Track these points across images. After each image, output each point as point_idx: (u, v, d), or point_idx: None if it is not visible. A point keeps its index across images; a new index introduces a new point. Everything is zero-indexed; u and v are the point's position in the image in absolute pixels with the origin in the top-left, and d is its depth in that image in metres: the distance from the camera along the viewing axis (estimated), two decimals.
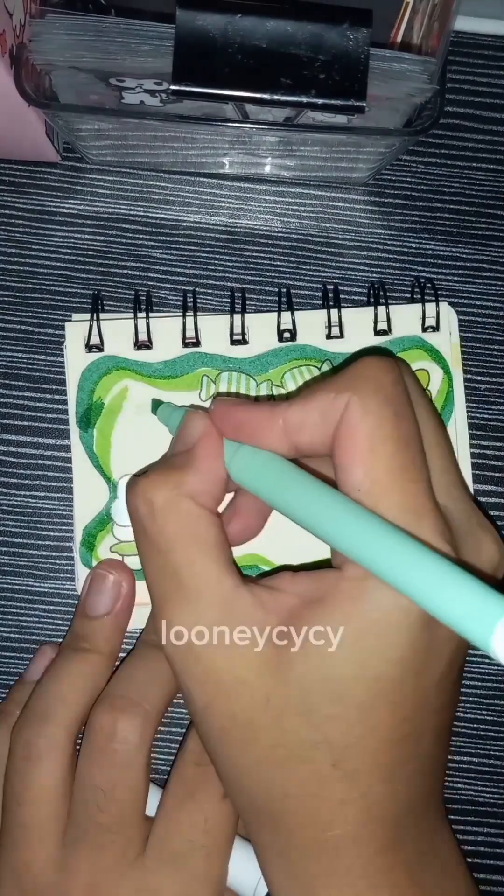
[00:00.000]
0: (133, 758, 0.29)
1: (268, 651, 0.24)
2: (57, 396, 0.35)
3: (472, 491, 0.34)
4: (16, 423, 0.35)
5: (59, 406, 0.35)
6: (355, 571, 0.23)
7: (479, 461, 0.35)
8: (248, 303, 0.35)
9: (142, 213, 0.35)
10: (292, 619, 0.24)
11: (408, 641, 0.23)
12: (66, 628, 0.34)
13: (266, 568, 0.34)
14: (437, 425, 0.27)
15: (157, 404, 0.33)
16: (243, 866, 0.30)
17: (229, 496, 0.30)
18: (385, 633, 0.23)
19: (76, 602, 0.33)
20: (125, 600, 0.33)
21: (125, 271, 0.35)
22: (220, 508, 0.27)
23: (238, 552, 0.34)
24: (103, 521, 0.34)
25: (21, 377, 0.35)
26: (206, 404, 0.34)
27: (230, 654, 0.25)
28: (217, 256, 0.35)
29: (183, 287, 0.35)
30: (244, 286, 0.35)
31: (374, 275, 0.36)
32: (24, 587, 0.34)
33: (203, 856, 0.29)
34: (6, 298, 0.35)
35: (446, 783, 0.34)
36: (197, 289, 0.35)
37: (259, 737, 0.25)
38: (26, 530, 0.34)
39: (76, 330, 0.34)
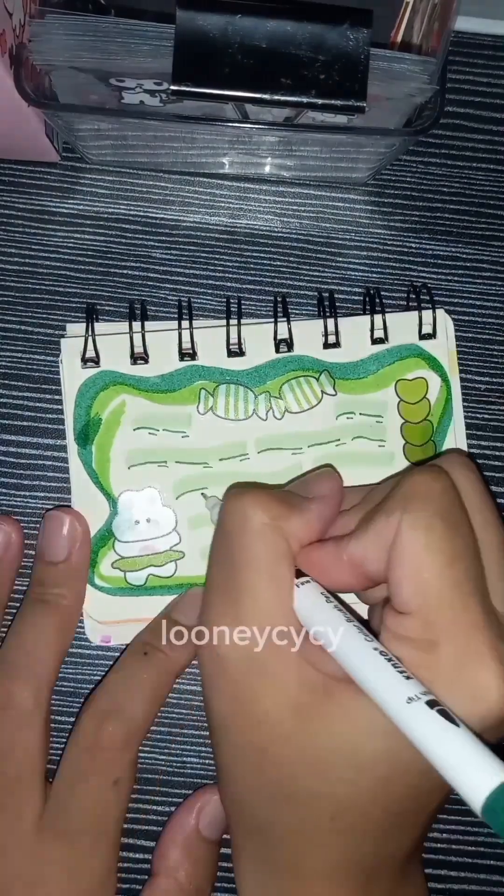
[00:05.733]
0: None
1: (303, 697, 0.25)
2: (56, 397, 0.35)
3: None
4: (15, 423, 0.35)
5: (59, 406, 0.35)
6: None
7: (479, 461, 0.35)
8: (247, 304, 0.35)
9: (141, 214, 0.35)
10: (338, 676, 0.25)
11: None
12: None
13: None
14: (500, 529, 0.27)
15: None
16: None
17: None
18: None
19: None
20: (83, 544, 0.33)
21: (125, 272, 0.35)
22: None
23: None
24: (104, 536, 0.33)
25: (20, 377, 0.35)
26: (204, 417, 0.34)
27: (263, 681, 0.25)
28: (217, 256, 0.35)
29: (182, 287, 0.35)
30: (243, 286, 0.35)
31: (374, 275, 0.36)
32: (23, 588, 0.34)
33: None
34: (6, 298, 0.35)
35: None
36: (196, 289, 0.35)
37: (268, 768, 0.25)
38: (26, 530, 0.34)
39: (72, 346, 0.33)
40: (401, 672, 0.23)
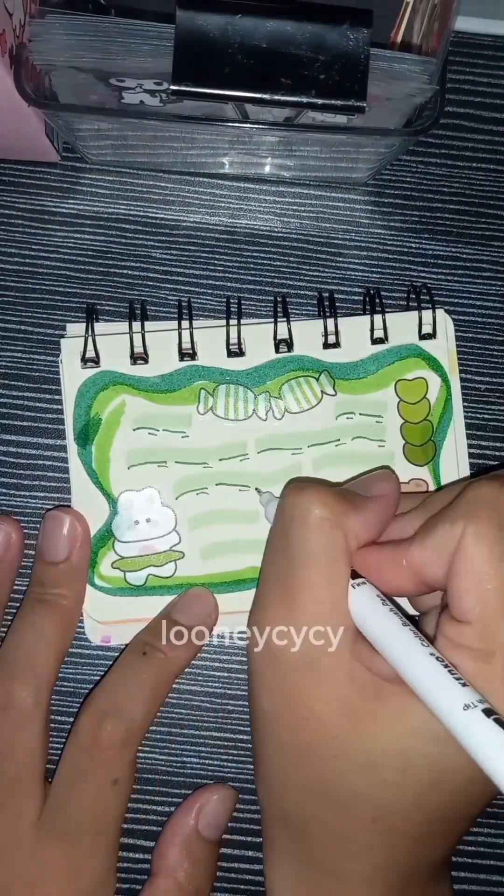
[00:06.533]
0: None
1: (353, 696, 0.25)
2: (56, 397, 0.35)
3: None
4: (15, 423, 0.35)
5: (59, 406, 0.35)
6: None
7: (479, 461, 0.35)
8: (247, 304, 0.35)
9: (141, 213, 0.35)
10: (391, 679, 0.25)
11: None
12: None
13: None
14: None
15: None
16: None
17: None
18: None
19: None
20: (83, 544, 0.33)
21: (125, 272, 0.35)
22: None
23: (242, 565, 0.34)
24: (104, 537, 0.33)
25: (20, 377, 0.35)
26: (204, 418, 0.34)
27: (314, 679, 0.25)
28: (217, 257, 0.35)
29: (182, 287, 0.35)
30: (243, 286, 0.35)
31: (374, 275, 0.36)
32: (23, 588, 0.34)
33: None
34: (6, 298, 0.35)
35: None
36: (196, 289, 0.35)
37: (313, 764, 0.25)
38: (26, 531, 0.34)
39: (72, 346, 0.33)
40: (457, 679, 0.23)
